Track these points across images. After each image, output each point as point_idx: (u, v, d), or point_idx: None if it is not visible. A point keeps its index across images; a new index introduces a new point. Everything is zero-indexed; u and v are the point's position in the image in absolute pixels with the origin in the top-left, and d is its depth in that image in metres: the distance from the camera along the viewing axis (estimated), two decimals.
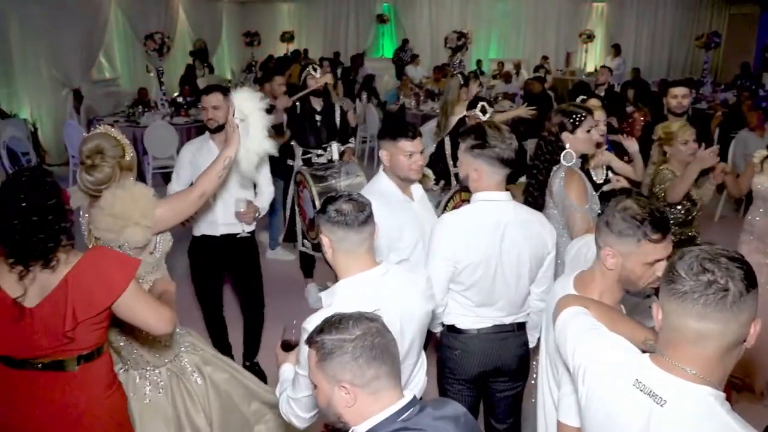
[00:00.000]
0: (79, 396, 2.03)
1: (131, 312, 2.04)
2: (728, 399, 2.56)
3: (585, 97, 4.50)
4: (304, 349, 1.72)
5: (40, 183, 1.94)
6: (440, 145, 4.26)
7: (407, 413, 1.41)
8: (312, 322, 1.70)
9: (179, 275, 3.76)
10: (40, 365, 1.99)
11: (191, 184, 2.97)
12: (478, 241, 2.36)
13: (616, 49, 13.71)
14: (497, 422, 2.72)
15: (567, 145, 2.86)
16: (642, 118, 5.26)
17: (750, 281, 1.28)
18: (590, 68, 14.52)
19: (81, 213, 2.56)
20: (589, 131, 2.90)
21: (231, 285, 4.06)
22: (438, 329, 2.59)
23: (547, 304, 2.04)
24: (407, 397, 1.44)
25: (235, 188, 3.52)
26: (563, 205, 2.78)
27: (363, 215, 1.88)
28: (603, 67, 8.14)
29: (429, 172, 3.98)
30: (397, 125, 2.78)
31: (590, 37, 14.59)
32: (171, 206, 2.54)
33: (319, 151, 4.79)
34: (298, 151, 4.83)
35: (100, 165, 2.38)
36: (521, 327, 2.57)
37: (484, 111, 4.02)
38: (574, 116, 2.88)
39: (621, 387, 1.41)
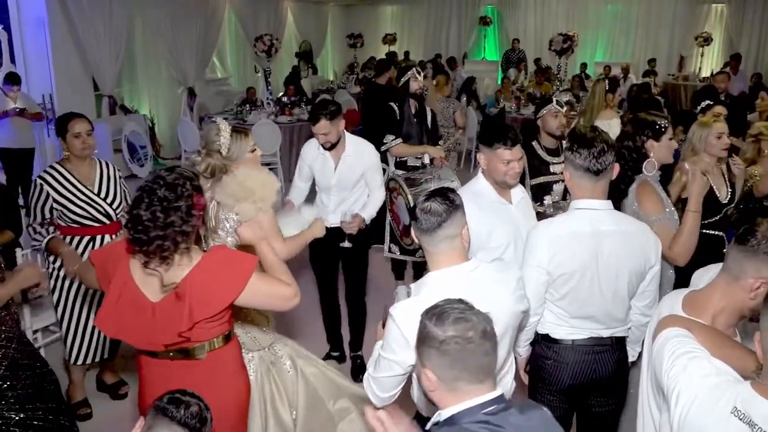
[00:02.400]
0: (208, 381, 2.09)
1: (252, 303, 2.14)
2: None
3: (710, 102, 4.26)
4: (388, 331, 1.87)
5: (173, 185, 1.93)
6: None
7: (491, 408, 1.41)
8: (399, 308, 1.87)
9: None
10: (171, 354, 2.08)
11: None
12: (573, 251, 2.30)
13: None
14: None
15: (651, 154, 2.80)
16: None
17: None
18: (705, 73, 13.70)
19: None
20: (671, 139, 2.84)
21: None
22: (523, 351, 2.55)
23: (651, 322, 1.96)
24: (495, 393, 1.44)
25: (350, 192, 3.73)
26: (633, 215, 2.67)
27: (437, 219, 1.90)
28: (722, 72, 7.63)
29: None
30: (496, 131, 2.74)
31: (707, 41, 13.75)
32: (271, 227, 2.63)
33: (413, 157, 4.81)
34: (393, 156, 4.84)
35: (199, 160, 2.61)
36: (620, 341, 2.48)
37: (560, 105, 3.90)
38: (658, 124, 2.82)
39: (718, 414, 1.35)
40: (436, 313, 1.45)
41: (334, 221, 3.69)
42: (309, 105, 8.92)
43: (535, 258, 2.33)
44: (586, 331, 2.41)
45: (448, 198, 1.95)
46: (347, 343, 4.23)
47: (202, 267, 1.98)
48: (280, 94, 10.19)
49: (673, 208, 2.85)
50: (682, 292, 1.86)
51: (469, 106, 9.70)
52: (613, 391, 2.52)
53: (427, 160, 4.65)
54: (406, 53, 14.64)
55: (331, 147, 3.67)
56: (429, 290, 1.91)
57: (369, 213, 3.82)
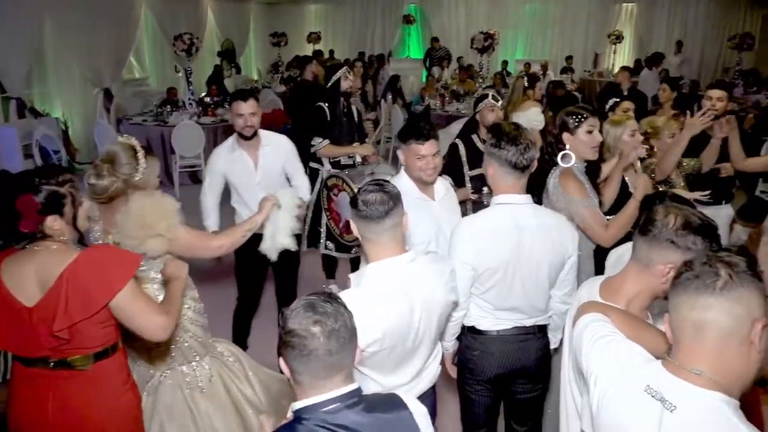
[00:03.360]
0: (92, 394, 2.03)
1: (125, 315, 2.00)
2: (757, 402, 2.52)
3: (617, 99, 4.42)
4: None
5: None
6: (453, 148, 4.10)
7: (333, 406, 1.45)
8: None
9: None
10: (51, 364, 1.99)
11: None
12: (496, 246, 2.34)
13: (678, 46, 13.55)
14: (517, 424, 2.71)
15: (567, 146, 2.83)
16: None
17: (747, 273, 1.29)
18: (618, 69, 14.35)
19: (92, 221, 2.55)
20: (590, 132, 2.84)
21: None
22: (450, 345, 2.59)
23: (571, 309, 2.02)
24: (340, 390, 1.47)
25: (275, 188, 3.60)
26: (565, 202, 2.74)
27: (384, 207, 1.96)
28: (623, 69, 8.00)
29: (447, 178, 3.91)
30: (410, 127, 2.78)
31: (619, 38, 14.40)
32: (192, 239, 2.54)
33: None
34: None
35: (104, 175, 2.38)
36: (542, 329, 2.56)
37: (496, 99, 4.00)
38: (575, 116, 2.84)
39: (632, 393, 1.39)
40: (295, 306, 1.47)
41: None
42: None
43: (459, 255, 2.35)
44: (510, 321, 2.47)
45: (388, 187, 2.01)
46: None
47: (80, 263, 1.92)
48: (203, 94, 9.95)
49: (596, 200, 2.90)
50: (599, 279, 1.92)
51: (394, 104, 9.77)
52: (538, 378, 2.59)
53: (359, 159, 4.66)
54: (331, 52, 14.58)
55: (252, 135, 3.58)
56: (369, 280, 1.97)
57: (306, 197, 3.77)
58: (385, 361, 2.04)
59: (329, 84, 4.72)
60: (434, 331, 2.16)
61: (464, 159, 3.97)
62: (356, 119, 4.88)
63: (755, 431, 1.25)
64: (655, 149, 3.59)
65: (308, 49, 14.49)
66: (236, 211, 3.80)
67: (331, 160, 4.74)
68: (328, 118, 4.64)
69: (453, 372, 2.69)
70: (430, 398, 2.32)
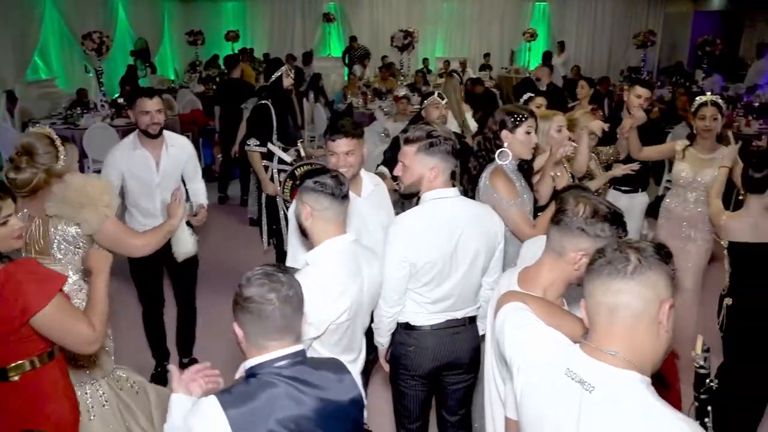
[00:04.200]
0: (21, 408, 1.94)
1: (47, 333, 1.92)
2: (675, 381, 2.65)
3: (532, 94, 4.57)
4: None
5: None
6: (396, 142, 4.18)
7: (284, 362, 1.61)
8: (303, 276, 1.97)
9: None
10: None
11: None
12: (435, 240, 2.38)
13: (561, 47, 14.07)
14: (449, 414, 2.75)
15: (505, 144, 2.87)
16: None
17: (655, 257, 1.35)
18: (534, 66, 14.83)
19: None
20: (528, 133, 2.88)
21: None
22: (385, 341, 2.61)
23: (492, 299, 2.07)
24: (293, 348, 1.63)
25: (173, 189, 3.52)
26: (493, 200, 2.78)
27: (345, 189, 2.15)
28: (543, 65, 8.29)
29: (386, 171, 3.96)
30: (331, 124, 2.82)
31: (533, 36, 14.89)
32: (119, 230, 2.51)
33: (292, 150, 4.79)
34: (277, 151, 4.76)
35: (24, 168, 2.29)
36: (473, 320, 2.61)
37: (441, 97, 4.08)
38: (515, 115, 2.88)
39: (553, 377, 1.44)
40: (250, 275, 1.63)
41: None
42: None
43: (397, 253, 2.37)
44: (443, 314, 2.51)
45: (341, 178, 2.19)
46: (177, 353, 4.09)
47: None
48: (116, 95, 9.54)
49: (531, 197, 2.96)
50: (517, 269, 1.98)
51: (317, 102, 9.71)
52: (470, 368, 2.64)
53: (303, 153, 4.66)
54: (251, 50, 14.30)
55: (158, 133, 3.51)
56: (331, 256, 2.13)
57: (204, 201, 3.75)
58: (344, 335, 2.18)
59: (270, 81, 4.67)
60: (372, 306, 2.37)
61: None
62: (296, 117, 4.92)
63: (665, 404, 1.32)
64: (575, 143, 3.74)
65: (227, 48, 14.16)
66: (130, 212, 3.68)
67: (279, 157, 4.74)
68: (274, 117, 4.60)
69: (387, 366, 2.70)
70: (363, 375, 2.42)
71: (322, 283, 2.05)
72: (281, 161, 4.69)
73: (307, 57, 13.03)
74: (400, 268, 2.37)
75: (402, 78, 10.85)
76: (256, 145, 4.63)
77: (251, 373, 1.61)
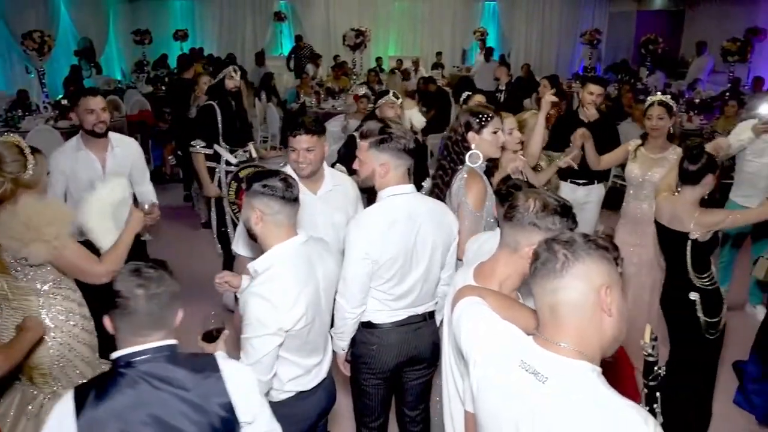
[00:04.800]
0: None
1: None
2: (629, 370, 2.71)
3: (470, 93, 4.61)
4: (251, 311, 2.01)
5: None
6: (352, 141, 4.10)
7: (144, 356, 1.62)
8: (260, 285, 2.04)
9: None
10: None
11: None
12: (395, 235, 2.39)
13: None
14: (409, 410, 2.78)
15: (473, 146, 2.84)
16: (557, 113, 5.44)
17: (583, 247, 1.39)
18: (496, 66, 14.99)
19: None
20: (495, 132, 2.86)
21: None
22: (346, 345, 2.59)
23: (448, 294, 2.09)
24: (157, 343, 1.64)
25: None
26: (459, 203, 2.80)
27: (295, 191, 2.13)
28: (501, 65, 8.40)
29: (343, 168, 3.94)
30: (294, 120, 2.81)
31: (484, 35, 15.08)
32: (77, 258, 2.41)
33: (240, 151, 4.70)
34: (224, 152, 4.69)
35: None
36: (432, 315, 2.64)
37: (396, 97, 4.10)
38: (480, 116, 2.85)
39: (508, 369, 1.46)
40: (123, 269, 1.66)
41: (115, 228, 3.42)
42: None
43: (359, 250, 2.37)
44: (404, 311, 2.53)
45: (291, 180, 2.16)
46: None
47: None
48: (59, 96, 9.23)
49: (488, 204, 2.96)
50: (473, 265, 2.00)
51: (269, 102, 9.62)
52: (430, 362, 2.67)
53: (254, 154, 4.60)
54: (200, 50, 14.04)
55: (104, 133, 3.43)
56: (282, 260, 2.10)
57: (154, 201, 3.63)
58: (306, 339, 2.17)
59: (215, 82, 4.61)
60: (331, 304, 2.37)
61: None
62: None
63: (615, 393, 1.36)
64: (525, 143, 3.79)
65: (176, 47, 13.88)
66: None
67: (227, 159, 4.66)
68: (219, 118, 4.52)
69: (346, 370, 2.70)
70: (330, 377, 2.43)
71: (274, 293, 2.04)
72: (228, 163, 4.63)
73: (260, 57, 12.88)
74: (363, 265, 2.38)
75: (355, 77, 10.84)
76: (201, 147, 4.57)
77: (114, 366, 1.63)
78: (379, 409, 2.68)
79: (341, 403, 3.38)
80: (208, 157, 4.65)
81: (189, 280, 4.44)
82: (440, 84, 10.71)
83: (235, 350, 2.12)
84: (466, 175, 2.82)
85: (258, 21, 15.61)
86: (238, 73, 4.75)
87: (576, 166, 3.93)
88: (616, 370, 2.63)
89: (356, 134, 4.13)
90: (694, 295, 3.05)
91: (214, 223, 4.79)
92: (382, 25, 16.08)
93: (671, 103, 3.98)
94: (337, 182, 2.93)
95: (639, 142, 4.12)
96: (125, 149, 3.59)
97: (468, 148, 2.85)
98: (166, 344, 1.65)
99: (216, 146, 4.62)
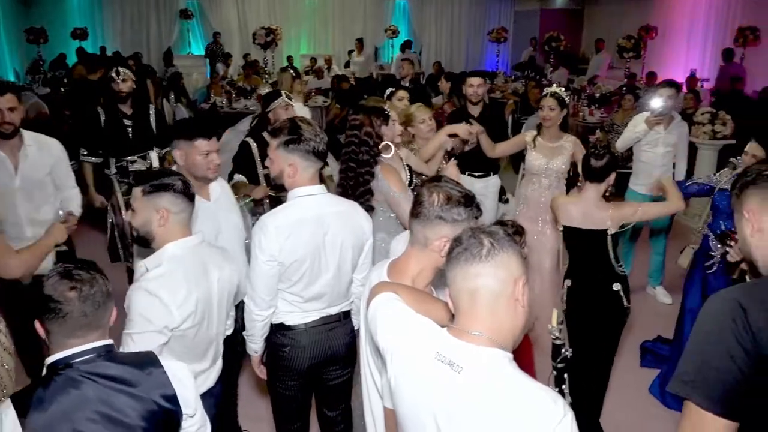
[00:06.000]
0: None
1: None
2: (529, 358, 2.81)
3: (393, 89, 4.69)
4: (140, 307, 2.01)
5: None
6: (245, 147, 3.98)
7: (84, 357, 1.63)
8: (149, 281, 2.05)
9: None
10: None
11: None
12: (303, 237, 2.37)
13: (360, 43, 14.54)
14: (329, 410, 2.78)
15: (385, 138, 2.93)
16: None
17: (506, 239, 1.45)
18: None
19: None
20: (395, 122, 3.00)
21: None
22: (259, 348, 2.58)
23: (364, 292, 2.10)
24: (94, 344, 1.65)
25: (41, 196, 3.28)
26: (385, 195, 2.85)
27: (193, 190, 2.19)
28: (405, 60, 8.51)
29: (242, 178, 3.82)
30: (194, 124, 2.74)
31: (395, 33, 15.23)
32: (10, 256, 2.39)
33: (133, 158, 4.45)
34: (113, 160, 4.44)
35: None
36: (347, 315, 2.64)
37: (289, 98, 4.01)
38: (383, 111, 2.96)
39: (424, 362, 1.49)
40: (51, 273, 1.65)
41: (32, 235, 3.20)
42: None
43: (265, 252, 2.34)
44: (317, 312, 2.52)
45: (185, 179, 2.20)
46: None
47: None
48: None
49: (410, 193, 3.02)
50: (387, 262, 2.03)
51: (178, 103, 9.31)
52: (347, 361, 2.67)
53: (156, 164, 4.39)
54: (102, 49, 13.40)
55: (12, 133, 3.23)
56: (172, 259, 2.10)
57: (77, 211, 3.45)
58: (192, 342, 2.16)
59: (101, 84, 4.38)
60: (225, 309, 2.35)
61: (257, 157, 3.86)
62: (154, 122, 4.58)
63: (527, 377, 1.41)
64: (414, 135, 3.88)
65: (74, 47, 13.18)
66: None
67: (117, 165, 4.42)
68: (103, 124, 4.29)
69: (262, 373, 2.66)
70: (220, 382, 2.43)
71: (163, 289, 2.04)
72: (122, 170, 4.40)
73: (168, 56, 12.45)
74: (269, 267, 2.35)
75: (267, 76, 10.68)
76: (84, 155, 4.35)
77: (51, 370, 1.62)
78: (298, 412, 2.66)
79: (260, 406, 3.34)
80: (105, 164, 4.42)
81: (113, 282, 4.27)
82: (353, 82, 10.74)
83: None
84: (381, 168, 2.91)
85: (164, 18, 15.05)
86: (127, 73, 4.47)
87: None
88: (520, 355, 2.73)
89: (249, 139, 4.05)
90: (617, 286, 3.18)
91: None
92: (294, 22, 15.90)
93: (563, 95, 4.18)
94: (220, 184, 2.92)
95: (535, 132, 4.30)
96: (43, 150, 3.38)
97: (380, 142, 2.93)
98: (102, 344, 1.66)
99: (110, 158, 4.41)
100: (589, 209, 3.17)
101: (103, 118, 4.38)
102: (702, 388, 1.39)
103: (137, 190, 2.13)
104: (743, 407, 1.37)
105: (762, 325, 1.35)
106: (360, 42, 14.30)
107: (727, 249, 3.41)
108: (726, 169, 3.82)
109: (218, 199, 2.82)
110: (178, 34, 15.37)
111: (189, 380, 1.79)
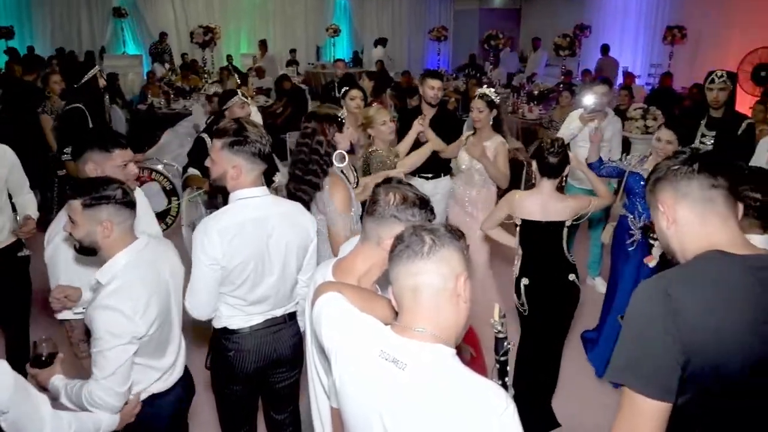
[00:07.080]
0: None
1: None
2: (478, 352, 2.86)
3: (347, 88, 4.71)
4: (102, 322, 1.97)
5: None
6: (200, 142, 3.95)
7: None
8: (108, 295, 2.01)
9: None
10: None
11: None
12: (245, 239, 2.34)
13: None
14: (277, 413, 2.75)
15: (339, 146, 2.89)
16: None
17: (447, 236, 1.48)
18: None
19: None
20: (348, 128, 2.96)
21: None
22: None
23: (308, 292, 2.10)
24: None
25: None
26: (326, 210, 2.83)
27: (133, 195, 2.16)
28: (338, 60, 8.52)
29: (197, 172, 3.79)
30: (108, 135, 2.65)
31: (336, 32, 15.20)
32: None
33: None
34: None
35: None
36: (292, 317, 2.62)
37: (245, 97, 4.02)
38: (337, 117, 2.92)
39: (368, 361, 1.50)
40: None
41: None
42: None
43: (207, 256, 2.30)
44: (261, 315, 2.49)
45: (126, 186, 2.17)
46: None
47: None
48: None
49: (356, 209, 2.98)
50: (331, 262, 2.03)
51: (113, 104, 9.03)
52: (293, 364, 2.65)
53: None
54: (30, 48, 12.85)
55: None
56: (129, 267, 2.09)
57: (35, 213, 3.38)
58: (159, 340, 2.16)
59: (82, 82, 4.21)
60: (181, 302, 2.34)
61: None
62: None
63: (471, 372, 1.44)
64: (372, 137, 3.90)
65: (0, 46, 12.58)
66: None
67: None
68: (90, 122, 4.16)
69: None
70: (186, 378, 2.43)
71: (124, 302, 2.02)
72: None
73: (101, 56, 12.06)
74: (212, 271, 2.31)
75: (207, 76, 10.48)
76: (66, 153, 4.18)
77: None
78: (244, 417, 2.63)
79: (205, 410, 3.29)
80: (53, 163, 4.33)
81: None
82: (295, 81, 10.66)
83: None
84: (330, 182, 2.85)
85: (96, 17, 14.56)
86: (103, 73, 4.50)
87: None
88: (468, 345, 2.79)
89: (204, 135, 4.01)
90: (572, 276, 3.31)
91: None
92: (233, 21, 15.64)
93: (492, 96, 4.26)
94: (140, 192, 2.88)
95: (470, 132, 4.39)
96: None
97: (335, 149, 2.88)
98: None
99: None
100: (547, 202, 3.26)
101: (88, 115, 4.31)
102: (636, 373, 1.45)
103: (76, 203, 2.06)
104: (677, 389, 1.43)
105: (687, 311, 1.42)
106: (263, 44, 14.12)
107: (651, 242, 3.60)
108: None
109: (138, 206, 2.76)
110: (112, 33, 14.88)
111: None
